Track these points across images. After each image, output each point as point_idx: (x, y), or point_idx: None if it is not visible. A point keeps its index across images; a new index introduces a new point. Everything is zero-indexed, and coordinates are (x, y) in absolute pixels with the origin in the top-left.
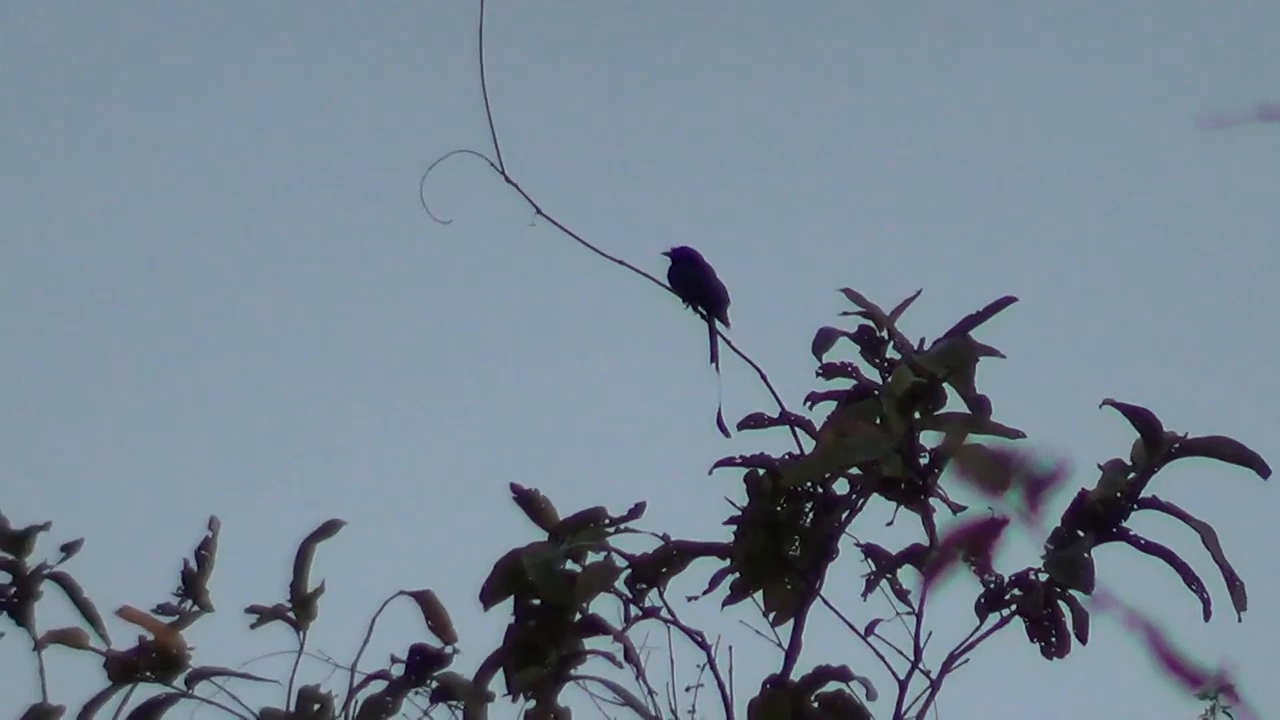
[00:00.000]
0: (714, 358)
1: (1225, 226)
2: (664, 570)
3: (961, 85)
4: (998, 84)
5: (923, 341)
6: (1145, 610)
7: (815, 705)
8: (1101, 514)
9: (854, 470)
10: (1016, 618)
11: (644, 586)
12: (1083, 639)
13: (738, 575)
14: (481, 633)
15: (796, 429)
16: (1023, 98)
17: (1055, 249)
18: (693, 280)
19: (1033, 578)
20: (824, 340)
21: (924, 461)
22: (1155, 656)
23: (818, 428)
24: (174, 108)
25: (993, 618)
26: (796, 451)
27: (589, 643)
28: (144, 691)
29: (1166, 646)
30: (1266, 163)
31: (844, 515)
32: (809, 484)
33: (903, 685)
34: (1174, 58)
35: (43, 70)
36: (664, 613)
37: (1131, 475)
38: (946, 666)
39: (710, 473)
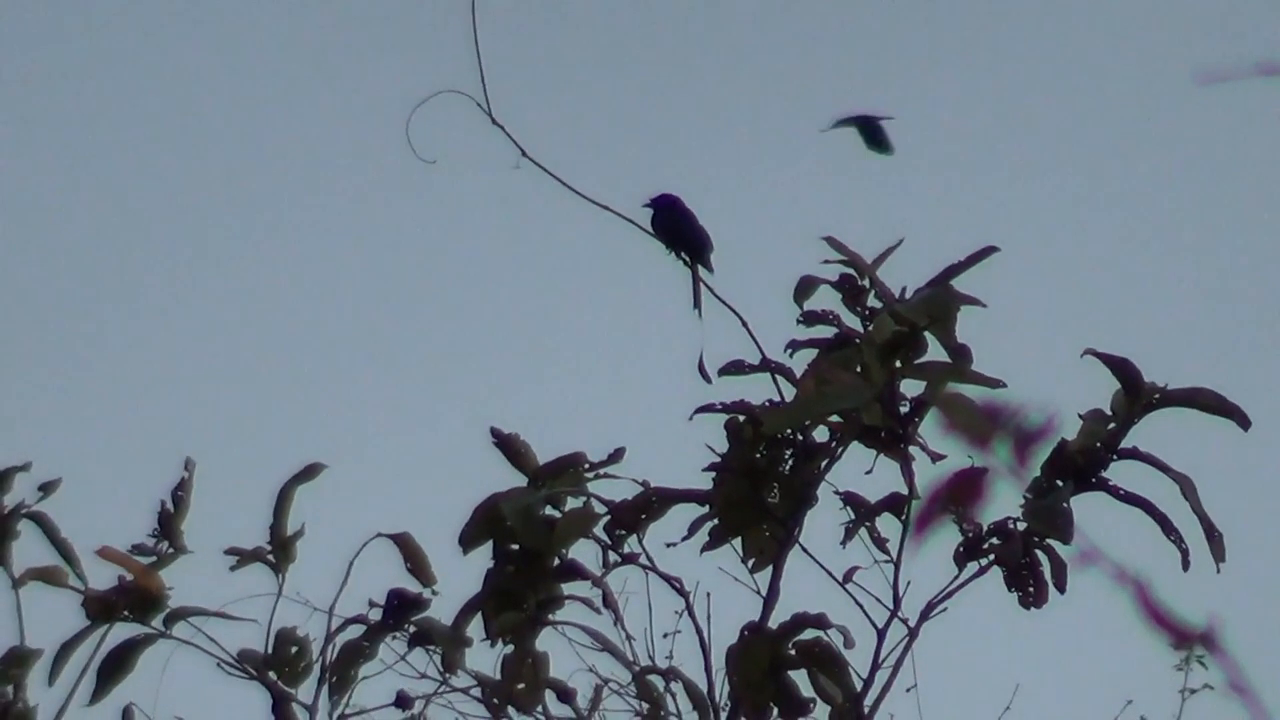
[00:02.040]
0: (696, 304)
1: (1213, 181)
2: (643, 516)
3: (938, 37)
4: (976, 33)
5: (904, 290)
6: (1129, 562)
7: (793, 652)
8: (1081, 464)
9: (834, 418)
10: (995, 567)
11: (623, 533)
12: (1061, 588)
13: (717, 522)
14: (460, 577)
15: (777, 376)
16: (1006, 46)
17: (1037, 197)
18: (675, 227)
19: (1011, 527)
20: (805, 287)
21: (904, 410)
22: (1141, 609)
23: (798, 375)
24: (156, 50)
25: (971, 567)
26: (777, 398)
27: (567, 588)
28: (122, 631)
29: (1153, 600)
30: (1260, 119)
31: (823, 463)
32: (789, 431)
33: (881, 633)
34: (1170, 9)
35: None
36: (643, 559)
37: (1112, 425)
38: (925, 615)
39: (690, 419)
